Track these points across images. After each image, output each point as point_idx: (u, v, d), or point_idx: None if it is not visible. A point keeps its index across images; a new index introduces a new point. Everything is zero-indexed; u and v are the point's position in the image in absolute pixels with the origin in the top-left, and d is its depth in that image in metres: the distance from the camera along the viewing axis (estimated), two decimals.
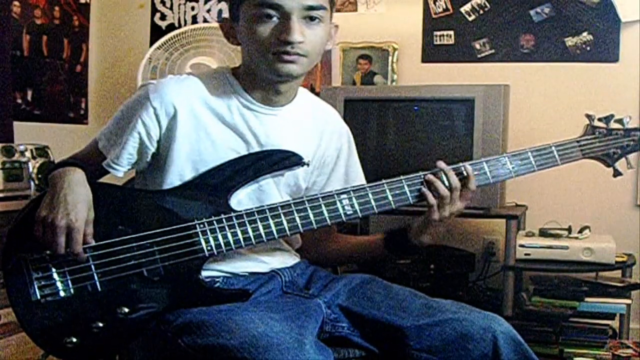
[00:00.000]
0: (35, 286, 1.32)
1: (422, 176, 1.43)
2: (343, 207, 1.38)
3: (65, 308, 1.32)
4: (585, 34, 3.04)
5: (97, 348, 1.35)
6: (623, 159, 1.52)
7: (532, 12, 3.11)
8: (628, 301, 2.62)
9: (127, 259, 1.33)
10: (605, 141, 1.50)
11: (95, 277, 1.33)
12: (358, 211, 1.39)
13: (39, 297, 1.32)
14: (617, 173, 1.53)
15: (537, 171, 1.46)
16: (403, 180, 1.42)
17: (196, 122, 1.41)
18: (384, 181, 1.42)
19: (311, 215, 1.37)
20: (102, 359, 1.44)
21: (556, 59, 3.09)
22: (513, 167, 1.44)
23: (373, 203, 1.41)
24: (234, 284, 1.43)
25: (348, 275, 1.54)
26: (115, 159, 1.41)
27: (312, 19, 1.36)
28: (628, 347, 2.59)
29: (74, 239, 1.29)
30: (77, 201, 1.32)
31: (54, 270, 1.33)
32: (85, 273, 1.33)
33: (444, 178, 1.42)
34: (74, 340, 1.32)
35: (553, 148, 1.46)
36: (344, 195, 1.39)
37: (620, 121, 1.51)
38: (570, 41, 3.06)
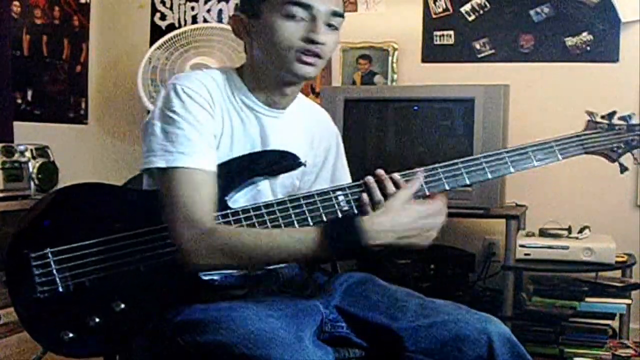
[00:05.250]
0: (36, 282, 1.34)
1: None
2: (339, 203, 1.38)
3: (63, 303, 1.34)
4: (585, 34, 3.04)
5: (94, 343, 1.35)
6: (629, 154, 1.47)
7: (532, 12, 3.11)
8: (628, 301, 2.62)
9: (125, 255, 1.34)
10: (607, 136, 1.46)
11: (93, 273, 1.34)
12: (354, 207, 1.38)
13: (38, 292, 1.34)
14: (623, 168, 1.47)
15: (536, 167, 1.42)
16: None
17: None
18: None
19: (307, 212, 1.36)
20: (102, 357, 1.45)
21: (556, 59, 3.08)
22: (512, 163, 1.42)
23: None
24: (231, 281, 1.43)
25: (346, 274, 1.53)
26: (203, 158, 1.34)
27: (330, 25, 1.39)
28: (628, 347, 2.59)
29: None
30: None
31: (53, 266, 1.35)
32: (83, 269, 1.34)
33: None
34: (71, 335, 1.33)
35: (553, 143, 1.43)
36: (340, 192, 1.38)
37: (623, 118, 1.47)
38: (570, 41, 3.06)
